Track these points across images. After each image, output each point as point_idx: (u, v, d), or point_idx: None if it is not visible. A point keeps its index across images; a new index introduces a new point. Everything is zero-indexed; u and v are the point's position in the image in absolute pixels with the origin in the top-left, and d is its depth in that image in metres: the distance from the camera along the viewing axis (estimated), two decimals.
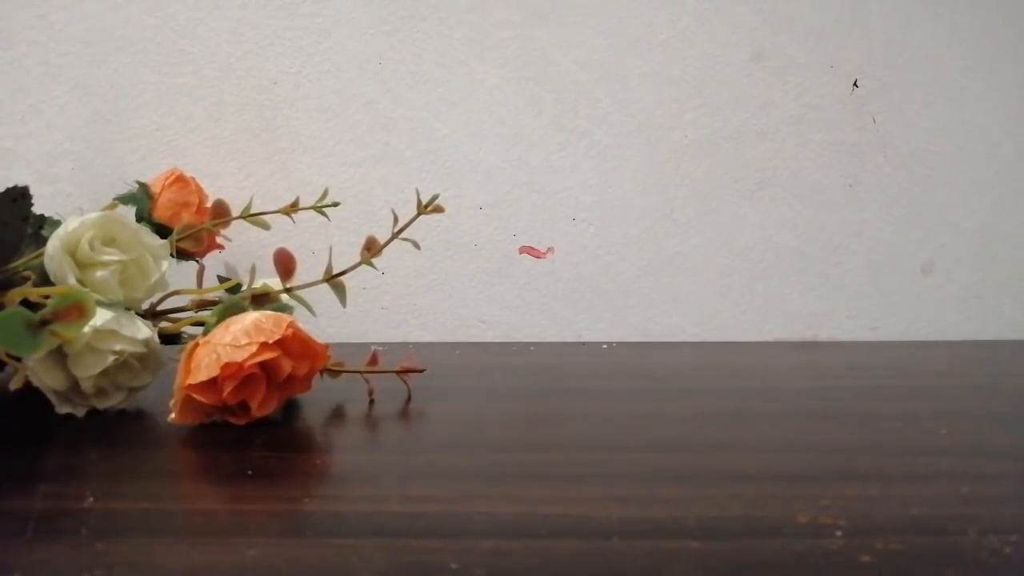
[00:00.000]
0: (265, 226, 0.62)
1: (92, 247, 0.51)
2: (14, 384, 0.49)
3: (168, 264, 0.54)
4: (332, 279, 0.55)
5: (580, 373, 0.66)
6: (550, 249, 0.75)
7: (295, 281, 0.54)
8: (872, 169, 0.76)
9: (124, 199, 0.64)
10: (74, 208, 0.69)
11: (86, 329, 0.48)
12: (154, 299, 0.56)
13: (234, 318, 0.49)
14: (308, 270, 0.57)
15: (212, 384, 0.48)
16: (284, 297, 0.54)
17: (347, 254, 0.59)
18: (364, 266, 0.56)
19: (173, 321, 0.56)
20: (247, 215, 0.61)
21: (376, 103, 0.72)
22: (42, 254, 0.51)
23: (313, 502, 0.40)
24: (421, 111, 0.73)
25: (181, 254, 0.61)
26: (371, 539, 0.36)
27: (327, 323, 0.58)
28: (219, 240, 0.65)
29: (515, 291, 0.75)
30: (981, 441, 0.49)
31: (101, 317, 0.49)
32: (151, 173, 0.67)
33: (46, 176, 0.70)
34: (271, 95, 0.72)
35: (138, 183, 0.64)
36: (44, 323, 0.36)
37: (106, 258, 0.51)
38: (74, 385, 0.51)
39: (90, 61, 0.70)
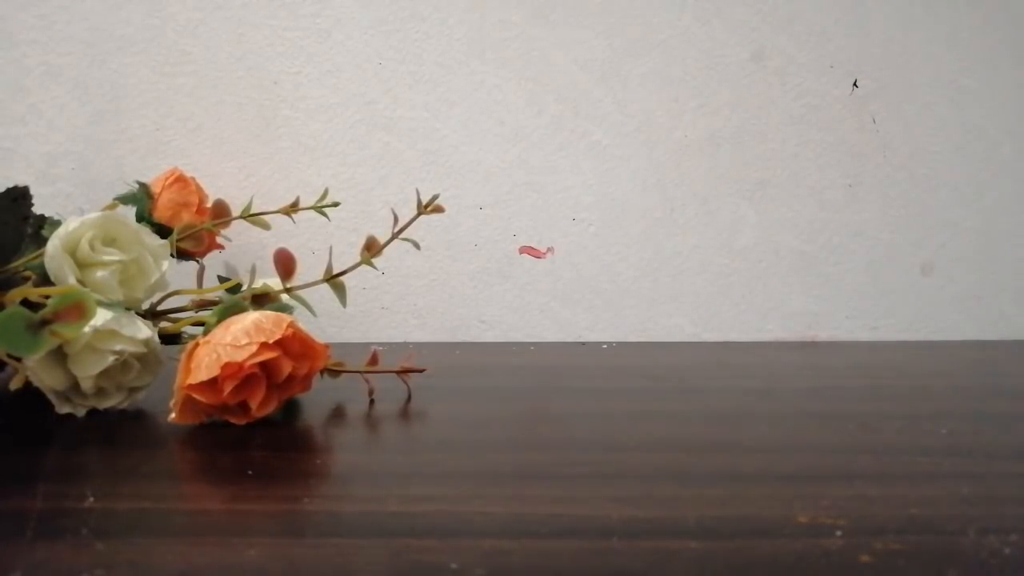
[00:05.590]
0: (265, 226, 0.62)
1: (92, 247, 0.51)
2: (14, 384, 0.49)
3: (168, 264, 0.54)
4: (332, 279, 0.55)
5: (580, 373, 0.66)
6: (550, 249, 0.75)
7: (295, 281, 0.54)
8: (872, 169, 0.76)
9: (124, 199, 0.64)
10: (74, 208, 0.69)
11: (86, 329, 0.48)
12: (154, 299, 0.56)
13: (234, 318, 0.49)
14: (308, 270, 0.57)
15: (212, 384, 0.48)
16: (284, 297, 0.54)
17: (347, 254, 0.59)
18: (364, 266, 0.56)
19: (173, 321, 0.56)
20: (247, 215, 0.61)
21: (376, 103, 0.72)
22: (42, 254, 0.51)
23: (313, 502, 0.40)
24: (421, 111, 0.73)
25: (181, 254, 0.61)
26: (371, 539, 0.36)
27: (327, 323, 0.58)
28: (219, 240, 0.65)
29: (515, 291, 0.75)
30: (981, 441, 0.49)
31: (101, 317, 0.49)
32: (151, 173, 0.67)
33: (46, 176, 0.70)
34: (271, 95, 0.72)
35: (138, 183, 0.64)
36: (44, 323, 0.36)
37: (106, 258, 0.51)
38: (74, 385, 0.51)
39: (90, 61, 0.70)
